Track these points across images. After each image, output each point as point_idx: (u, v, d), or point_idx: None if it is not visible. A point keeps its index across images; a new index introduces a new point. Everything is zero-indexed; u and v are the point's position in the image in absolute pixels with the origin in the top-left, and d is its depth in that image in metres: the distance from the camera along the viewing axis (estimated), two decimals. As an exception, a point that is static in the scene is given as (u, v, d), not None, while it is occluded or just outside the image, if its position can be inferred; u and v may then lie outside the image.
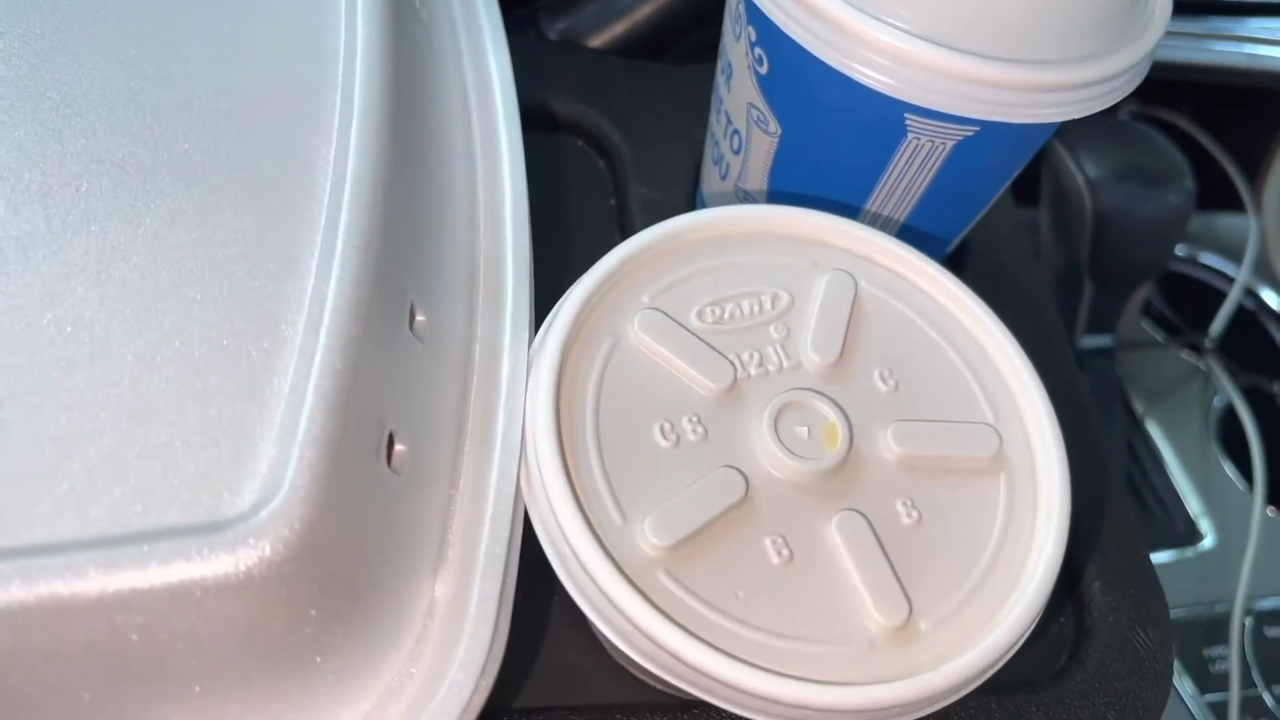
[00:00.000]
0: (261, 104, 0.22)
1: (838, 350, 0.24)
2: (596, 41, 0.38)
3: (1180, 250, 0.70)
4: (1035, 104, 0.25)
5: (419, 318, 0.21)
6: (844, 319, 0.24)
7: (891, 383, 0.24)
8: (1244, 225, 0.69)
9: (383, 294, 0.20)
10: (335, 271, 0.19)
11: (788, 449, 0.22)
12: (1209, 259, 0.70)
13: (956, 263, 0.34)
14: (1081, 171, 0.55)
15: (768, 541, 0.21)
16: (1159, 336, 0.68)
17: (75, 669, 0.16)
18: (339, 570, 0.18)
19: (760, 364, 0.23)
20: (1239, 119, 0.73)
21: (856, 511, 0.22)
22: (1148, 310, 0.68)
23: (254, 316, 0.19)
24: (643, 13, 0.37)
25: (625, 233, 0.33)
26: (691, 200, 0.34)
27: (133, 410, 0.18)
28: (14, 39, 0.22)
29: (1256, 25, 0.65)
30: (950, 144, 0.26)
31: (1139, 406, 0.63)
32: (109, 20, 0.23)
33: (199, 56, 0.23)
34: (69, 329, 0.18)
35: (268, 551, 0.16)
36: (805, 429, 0.22)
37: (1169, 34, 0.63)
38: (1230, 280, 0.68)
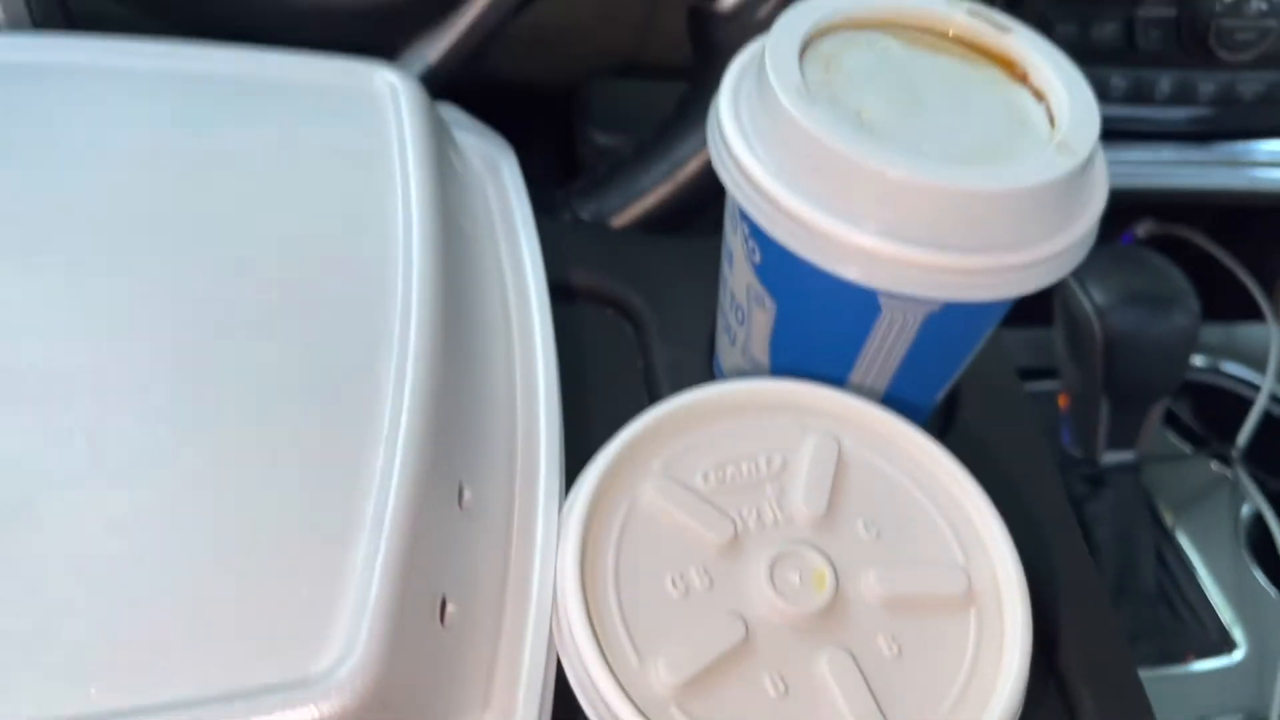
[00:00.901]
0: (328, 313, 0.27)
1: (825, 504, 0.27)
2: (622, 220, 0.43)
3: (1202, 361, 0.73)
4: (990, 284, 0.29)
5: (467, 495, 0.25)
6: (830, 476, 0.28)
7: (873, 531, 0.27)
8: (1265, 334, 0.71)
9: (437, 481, 0.24)
10: (397, 467, 0.24)
11: (782, 594, 0.26)
12: (1232, 368, 0.72)
13: (949, 407, 0.38)
14: (1089, 298, 0.58)
15: (766, 678, 0.25)
16: (1185, 448, 0.70)
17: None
18: (404, 715, 0.22)
19: (758, 518, 0.27)
20: (1253, 232, 0.76)
21: (843, 648, 0.25)
22: (1172, 422, 0.70)
23: (329, 505, 0.23)
24: (661, 194, 0.43)
25: (651, 390, 0.38)
26: (710, 361, 0.38)
27: (234, 584, 0.22)
28: (95, 252, 0.27)
29: (1262, 149, 0.68)
30: (920, 316, 0.30)
31: (1168, 517, 0.65)
32: (186, 230, 0.28)
33: (271, 271, 0.28)
34: (176, 513, 0.23)
35: (347, 702, 0.20)
36: (797, 575, 0.26)
37: (1179, 163, 0.68)
38: (1255, 389, 0.70)
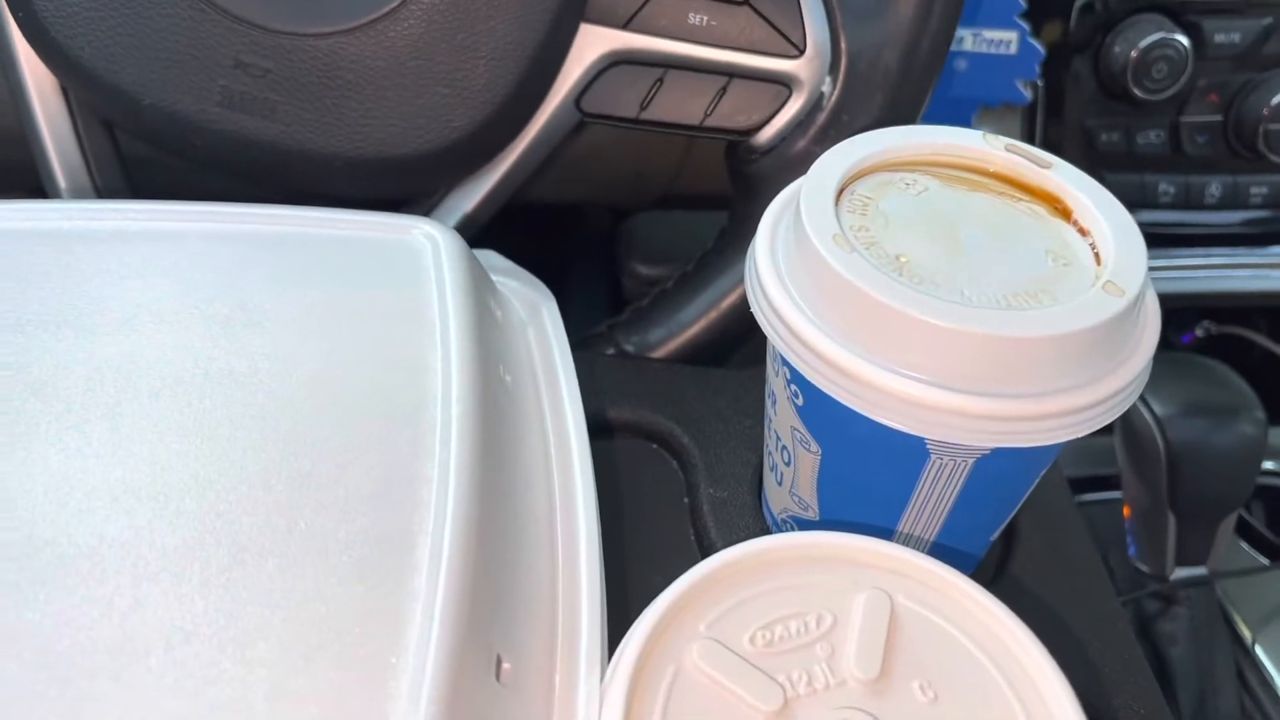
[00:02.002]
0: (366, 471, 0.27)
1: (878, 666, 0.26)
2: (665, 352, 0.43)
3: (1274, 464, 0.70)
4: (1038, 430, 0.28)
5: (504, 666, 0.25)
6: (883, 634, 0.27)
7: (930, 693, 0.26)
8: (1335, 434, 0.68)
9: (474, 653, 0.24)
10: (433, 640, 0.23)
11: (836, 767, 0.24)
12: None
13: (1004, 542, 0.37)
14: (1150, 410, 0.57)
15: None
16: (1261, 558, 0.67)
17: None
18: None
19: (809, 683, 0.26)
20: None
21: (903, 825, 0.24)
22: (1245, 531, 0.67)
23: (366, 680, 0.23)
24: (703, 326, 0.43)
25: (698, 528, 0.37)
26: (756, 498, 0.38)
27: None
28: (141, 413, 0.27)
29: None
30: (970, 461, 0.29)
31: (1247, 634, 0.62)
32: (228, 386, 0.28)
33: (311, 426, 0.28)
34: (214, 685, 0.22)
35: None
36: (851, 745, 0.25)
37: (1233, 265, 0.67)
38: (1330, 493, 0.67)
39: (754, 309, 0.31)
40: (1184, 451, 0.55)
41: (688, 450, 0.39)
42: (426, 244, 0.33)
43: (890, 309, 0.27)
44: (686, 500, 0.38)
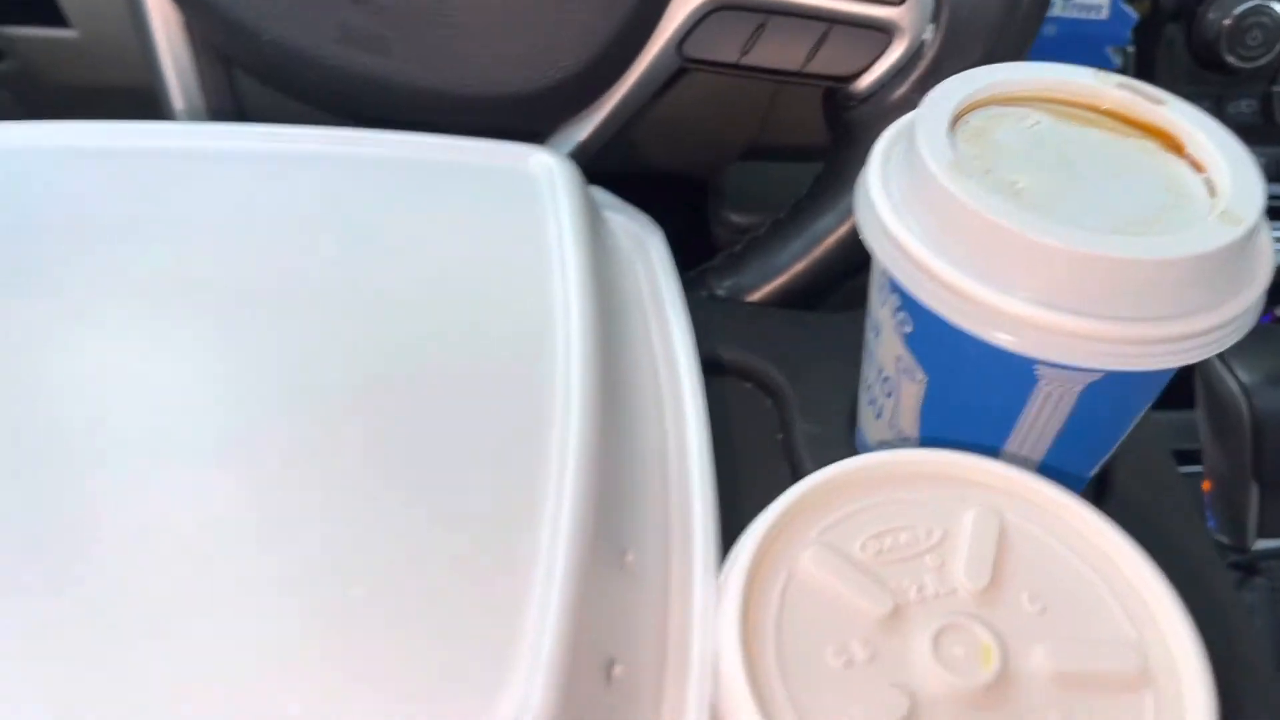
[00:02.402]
0: (493, 384, 0.28)
1: (987, 577, 0.27)
2: (758, 296, 0.44)
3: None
4: (1152, 353, 0.28)
5: (629, 557, 0.26)
6: (992, 549, 0.27)
7: (1039, 605, 0.27)
8: None
9: (602, 543, 0.25)
10: (564, 530, 0.24)
11: (947, 668, 0.25)
12: None
13: (1101, 483, 0.37)
14: (1235, 378, 0.56)
15: (934, 753, 0.24)
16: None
17: None
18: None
19: (918, 591, 0.27)
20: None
21: (1014, 724, 0.24)
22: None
23: (503, 567, 0.24)
24: (797, 270, 0.43)
25: (792, 463, 0.38)
26: (850, 434, 0.38)
27: (414, 642, 0.23)
28: (272, 326, 0.28)
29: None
30: (1079, 388, 0.29)
31: (1328, 609, 0.61)
32: (357, 302, 0.29)
33: (438, 342, 0.29)
34: (357, 579, 0.24)
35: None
36: (962, 649, 0.25)
37: None
38: None
39: (865, 237, 0.31)
40: (1269, 420, 0.55)
41: (781, 388, 0.40)
42: (543, 172, 0.34)
43: (1007, 231, 0.28)
44: (780, 436, 0.39)
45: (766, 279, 0.44)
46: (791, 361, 0.40)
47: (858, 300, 0.37)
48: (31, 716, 0.20)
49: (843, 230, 0.43)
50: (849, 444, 0.38)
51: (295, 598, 0.23)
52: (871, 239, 0.31)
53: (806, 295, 0.44)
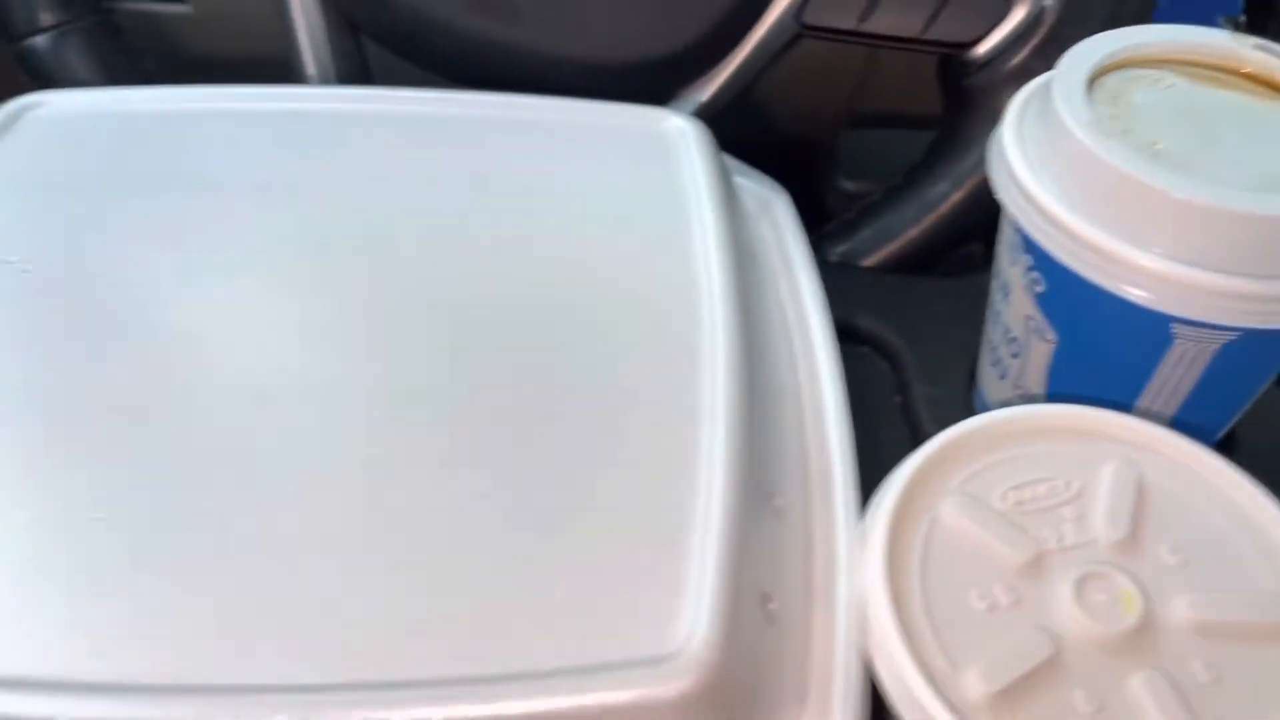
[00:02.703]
0: (644, 334, 0.29)
1: (1127, 528, 0.27)
2: (872, 261, 0.44)
3: None
4: (1289, 312, 0.28)
5: (775, 501, 0.27)
6: (1130, 500, 0.28)
7: (1180, 556, 0.27)
8: None
9: (753, 482, 0.26)
10: (719, 470, 0.25)
11: (1090, 614, 0.26)
12: None
13: (1229, 437, 0.37)
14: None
15: (1079, 694, 0.25)
16: None
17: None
18: (735, 701, 0.23)
19: (1059, 540, 0.27)
20: None
21: (1158, 670, 0.25)
22: None
23: (664, 505, 0.25)
24: (911, 236, 0.44)
25: (911, 425, 0.38)
26: (968, 396, 0.39)
27: (584, 574, 0.24)
28: (420, 279, 0.29)
29: None
30: (1215, 347, 0.30)
31: None
32: (509, 255, 0.30)
33: (590, 292, 0.30)
34: (529, 511, 0.25)
35: (696, 677, 0.22)
36: (1104, 596, 0.26)
37: None
38: None
39: (1000, 195, 0.32)
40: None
41: (899, 351, 0.40)
42: (678, 135, 0.35)
43: (1149, 188, 0.28)
44: (899, 399, 0.40)
45: (880, 245, 0.44)
46: (908, 325, 0.41)
47: (963, 268, 0.37)
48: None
49: (957, 196, 0.44)
50: (968, 405, 0.38)
51: (480, 538, 0.24)
52: (1007, 198, 0.31)
53: (920, 261, 0.44)
